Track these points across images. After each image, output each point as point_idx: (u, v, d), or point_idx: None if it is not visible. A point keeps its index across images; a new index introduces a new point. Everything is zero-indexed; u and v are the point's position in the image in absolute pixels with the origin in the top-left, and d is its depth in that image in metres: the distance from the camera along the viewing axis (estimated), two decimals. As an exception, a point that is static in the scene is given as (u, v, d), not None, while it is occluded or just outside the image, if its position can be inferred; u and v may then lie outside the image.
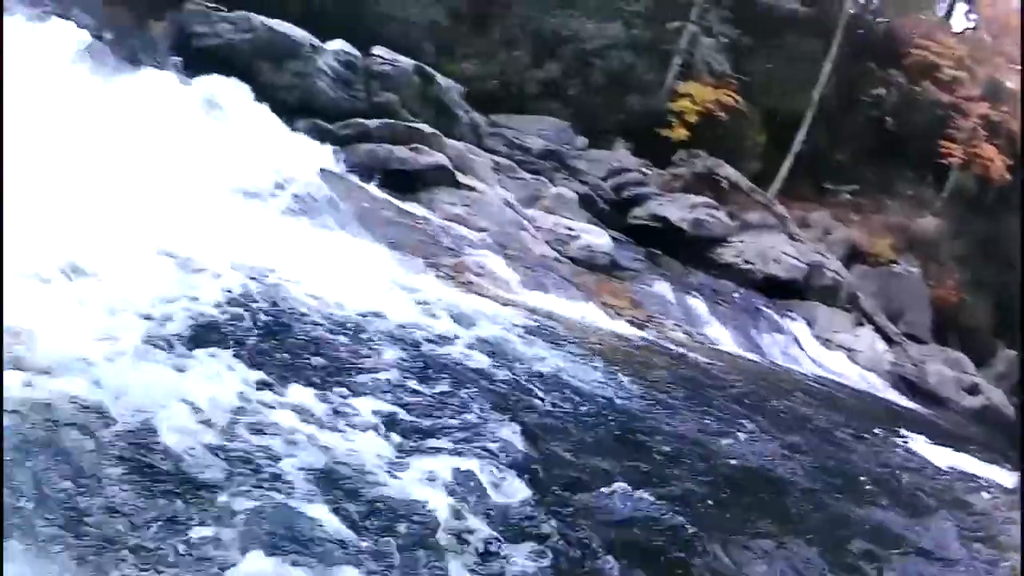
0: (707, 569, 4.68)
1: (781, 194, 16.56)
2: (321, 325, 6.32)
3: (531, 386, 6.52)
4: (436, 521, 4.06)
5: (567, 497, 4.82)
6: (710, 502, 5.51)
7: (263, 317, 6.04)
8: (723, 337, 11.51)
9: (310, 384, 5.14)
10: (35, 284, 5.17)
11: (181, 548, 3.43)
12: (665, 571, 4.61)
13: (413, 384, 5.69)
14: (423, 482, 4.41)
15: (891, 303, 14.68)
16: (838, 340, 12.93)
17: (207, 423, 4.31)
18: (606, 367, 7.75)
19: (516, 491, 4.66)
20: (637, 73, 17.59)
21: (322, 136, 11.51)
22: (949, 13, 22.29)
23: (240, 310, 5.94)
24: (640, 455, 5.97)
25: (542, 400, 6.35)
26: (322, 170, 10.08)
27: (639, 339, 9.61)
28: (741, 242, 14.65)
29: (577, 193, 14.36)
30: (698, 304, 12.04)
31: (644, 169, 16.18)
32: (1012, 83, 19.05)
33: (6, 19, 8.55)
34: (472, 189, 11.93)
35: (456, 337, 7.02)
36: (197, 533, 3.52)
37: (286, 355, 5.55)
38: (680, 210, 14.93)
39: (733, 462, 6.47)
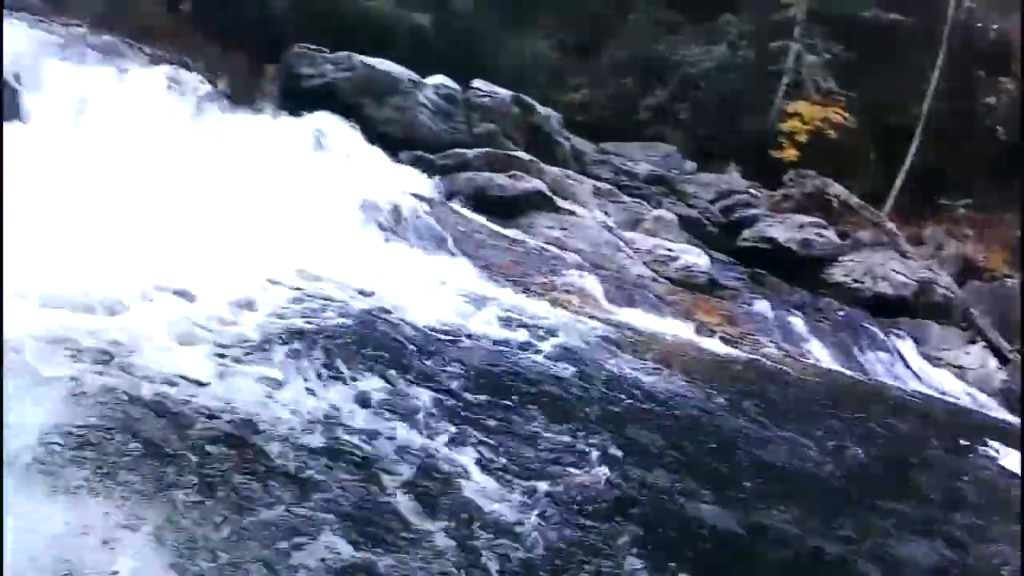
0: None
1: (893, 210, 16.63)
2: (415, 337, 7.07)
3: (610, 395, 7.02)
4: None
5: (652, 517, 5.21)
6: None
7: (364, 330, 6.84)
8: (821, 354, 11.72)
9: (399, 394, 5.83)
10: (154, 300, 6.11)
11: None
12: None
13: (497, 396, 6.27)
14: (510, 495, 4.92)
15: (1006, 319, 14.55)
16: (947, 358, 12.95)
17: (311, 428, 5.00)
18: (687, 379, 8.21)
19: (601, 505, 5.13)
20: (745, 95, 18.05)
21: (424, 166, 12.43)
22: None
23: (344, 324, 6.75)
24: (717, 464, 6.44)
25: (621, 410, 6.85)
26: (420, 197, 10.93)
27: (727, 353, 10.02)
28: (851, 261, 14.79)
29: (684, 216, 14.84)
30: (798, 322, 12.27)
31: (753, 191, 16.53)
32: None
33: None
34: (571, 213, 12.59)
35: (539, 348, 7.69)
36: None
37: (382, 365, 6.30)
38: (788, 230, 15.19)
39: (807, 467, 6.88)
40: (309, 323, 6.65)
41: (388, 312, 7.42)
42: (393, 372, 6.23)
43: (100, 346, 5.08)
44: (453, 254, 9.88)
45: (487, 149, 12.96)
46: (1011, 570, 5.98)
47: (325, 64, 12.89)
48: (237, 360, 5.60)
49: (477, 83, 13.96)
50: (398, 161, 12.31)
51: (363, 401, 5.58)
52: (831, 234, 15.25)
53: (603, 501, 5.19)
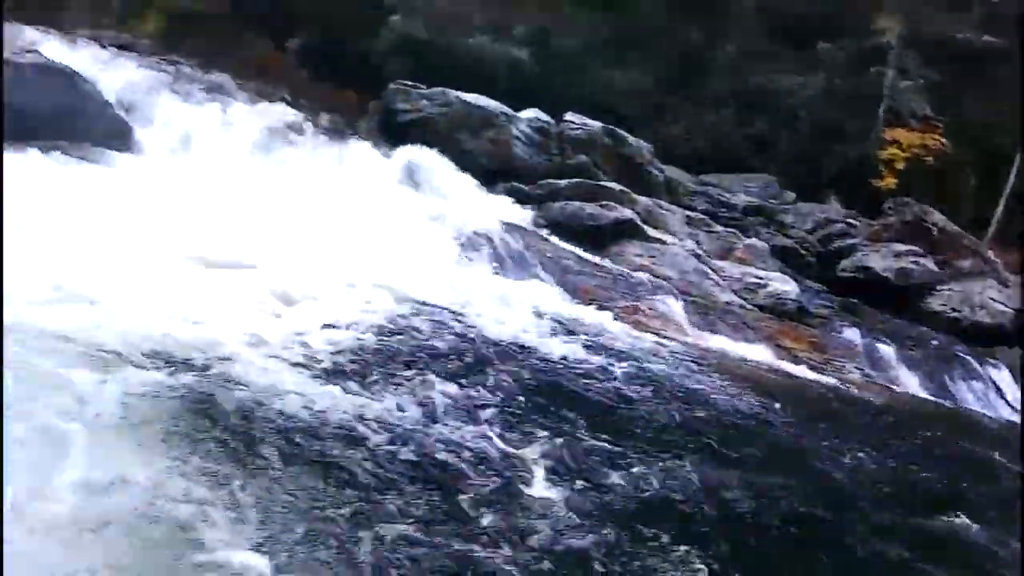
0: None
1: (995, 237, 16.67)
2: (496, 353, 7.76)
3: (686, 416, 7.53)
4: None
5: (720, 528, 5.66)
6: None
7: (447, 346, 7.56)
8: (910, 382, 11.98)
9: (478, 405, 6.47)
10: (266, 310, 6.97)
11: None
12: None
13: (572, 410, 6.86)
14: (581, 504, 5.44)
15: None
16: (1048, 387, 13.03)
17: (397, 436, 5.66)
18: (763, 400, 8.66)
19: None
20: (843, 123, 18.32)
21: (517, 196, 13.19)
22: None
23: (428, 340, 7.50)
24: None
25: (698, 431, 7.32)
26: (510, 225, 11.68)
27: (807, 377, 10.43)
28: (948, 290, 14.95)
29: (781, 246, 15.26)
30: (887, 350, 12.52)
31: (851, 220, 16.78)
32: None
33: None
34: (660, 241, 13.15)
35: (617, 367, 8.29)
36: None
37: (462, 379, 6.98)
38: (885, 259, 15.45)
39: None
40: (396, 339, 7.40)
41: (472, 329, 8.16)
42: (473, 385, 6.92)
43: (204, 356, 5.88)
44: (539, 278, 10.56)
45: (578, 179, 13.64)
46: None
47: (421, 100, 13.81)
48: (329, 371, 6.35)
49: (570, 116, 14.68)
50: (492, 191, 13.09)
51: (442, 410, 6.26)
52: (929, 263, 15.45)
53: (665, 510, 5.71)
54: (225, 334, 6.25)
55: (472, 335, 8.04)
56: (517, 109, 14.61)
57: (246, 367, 5.88)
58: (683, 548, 5.19)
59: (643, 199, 13.82)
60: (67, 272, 6.35)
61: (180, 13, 18.46)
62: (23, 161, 8.94)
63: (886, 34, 18.13)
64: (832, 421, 9.05)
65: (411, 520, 4.76)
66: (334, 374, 6.37)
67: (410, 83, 14.21)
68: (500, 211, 12.26)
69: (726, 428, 7.69)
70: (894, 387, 11.70)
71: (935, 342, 13.70)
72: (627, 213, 13.17)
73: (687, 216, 14.59)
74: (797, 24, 19.37)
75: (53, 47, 12.00)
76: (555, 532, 5.05)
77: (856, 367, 11.78)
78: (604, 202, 13.19)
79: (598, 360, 8.33)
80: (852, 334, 12.81)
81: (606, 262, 12.00)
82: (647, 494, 5.85)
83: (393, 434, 5.63)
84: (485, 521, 4.99)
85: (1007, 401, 12.43)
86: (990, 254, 15.51)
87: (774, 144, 18.76)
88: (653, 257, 12.70)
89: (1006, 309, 14.24)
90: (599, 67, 18.53)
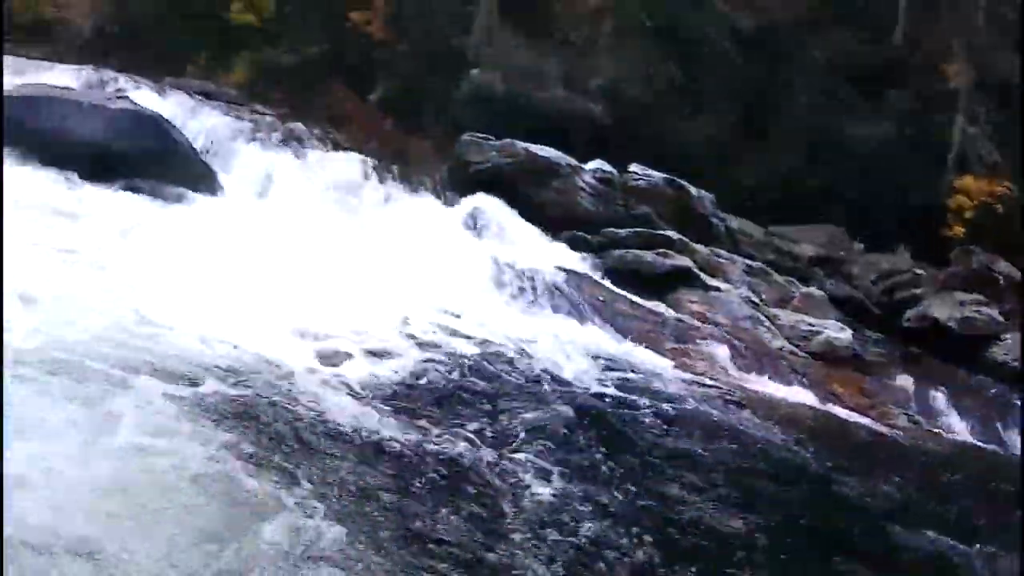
0: None
1: (1066, 287, 16.93)
2: (547, 390, 8.78)
3: (719, 450, 8.38)
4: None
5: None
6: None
7: (490, 381, 8.58)
8: (960, 428, 12.45)
9: (518, 437, 7.41)
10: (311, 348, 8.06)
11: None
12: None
13: (614, 448, 7.70)
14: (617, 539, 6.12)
15: None
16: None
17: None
18: (796, 437, 9.38)
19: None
20: (912, 172, 18.76)
21: (579, 245, 14.18)
22: None
23: (487, 375, 8.62)
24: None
25: (726, 463, 8.12)
26: (567, 270, 12.69)
27: (849, 419, 11.12)
28: (1012, 340, 15.40)
29: (845, 296, 15.94)
30: (940, 396, 13.02)
31: (917, 270, 17.26)
32: None
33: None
34: (716, 289, 13.96)
35: (655, 403, 9.18)
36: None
37: (499, 412, 7.95)
38: (949, 309, 15.91)
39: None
40: (449, 374, 8.47)
41: (524, 366, 9.22)
42: (520, 418, 7.91)
43: (267, 378, 6.99)
44: (591, 320, 11.52)
45: (638, 228, 14.58)
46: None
47: (491, 151, 14.95)
48: (385, 400, 7.40)
49: (634, 167, 15.64)
50: (555, 239, 14.11)
51: (480, 440, 7.19)
52: (994, 312, 15.88)
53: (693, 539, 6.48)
54: (288, 358, 7.36)
55: (523, 371, 9.11)
56: (589, 160, 15.64)
57: (304, 388, 6.97)
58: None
59: (701, 248, 14.65)
60: (146, 299, 7.60)
61: (267, 65, 20.11)
62: (111, 198, 10.57)
63: (954, 79, 18.58)
64: (864, 459, 9.74)
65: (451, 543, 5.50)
66: (390, 403, 7.44)
67: (481, 135, 15.34)
68: (559, 257, 13.31)
69: (755, 460, 8.53)
70: (941, 432, 12.20)
71: (993, 391, 14.13)
72: (684, 261, 14.03)
73: (747, 265, 15.36)
74: (867, 71, 19.99)
75: (143, 94, 13.75)
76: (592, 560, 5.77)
77: (903, 412, 12.33)
78: (662, 250, 14.08)
79: (640, 397, 9.27)
80: (905, 381, 13.36)
81: (659, 307, 12.84)
82: (675, 527, 6.61)
83: (445, 458, 6.60)
84: (521, 551, 5.66)
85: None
86: (1056, 304, 15.87)
87: (844, 193, 19.26)
88: (708, 304, 13.50)
89: (1069, 359, 14.61)
90: (673, 117, 19.40)
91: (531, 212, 14.35)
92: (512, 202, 14.20)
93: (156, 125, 12.71)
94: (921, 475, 9.77)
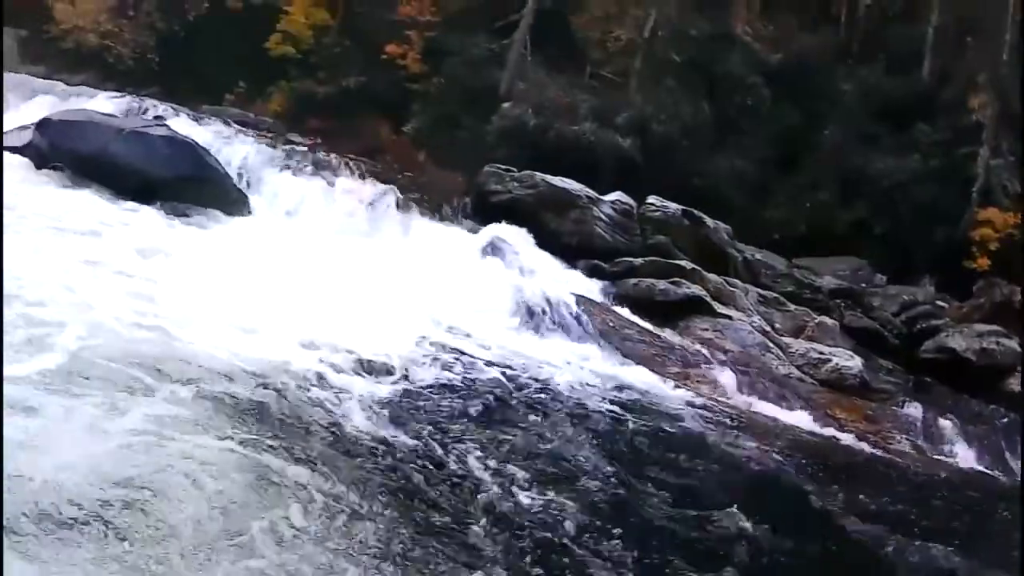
0: None
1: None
2: (553, 407, 9.51)
3: (708, 467, 8.96)
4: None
5: None
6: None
7: (495, 397, 9.27)
8: (965, 455, 12.91)
9: (520, 450, 8.03)
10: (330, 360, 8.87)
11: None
12: None
13: (609, 461, 8.24)
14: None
15: None
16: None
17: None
18: (783, 456, 10.03)
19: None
20: (938, 205, 19.21)
21: (596, 273, 14.97)
22: None
23: (496, 392, 9.33)
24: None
25: (718, 478, 8.74)
26: (580, 296, 13.43)
27: (844, 443, 11.67)
28: (1026, 371, 15.83)
29: (864, 328, 16.43)
30: (947, 424, 13.50)
31: (939, 302, 17.74)
32: None
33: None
34: (727, 317, 14.60)
35: (651, 421, 9.87)
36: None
37: (505, 427, 8.62)
38: (967, 340, 16.36)
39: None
40: (458, 390, 9.23)
41: (531, 384, 9.96)
42: (515, 433, 8.59)
43: (286, 384, 7.76)
44: (598, 344, 12.23)
45: (653, 258, 15.29)
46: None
47: (511, 182, 15.80)
48: (393, 411, 8.11)
49: (651, 199, 16.35)
50: (572, 267, 14.90)
51: (483, 452, 7.78)
52: (1013, 343, 16.30)
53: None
54: (306, 366, 8.20)
55: (528, 389, 9.84)
56: (609, 192, 16.36)
57: (318, 396, 7.75)
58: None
59: (714, 277, 15.29)
60: (179, 311, 8.50)
61: (304, 95, 21.19)
62: (148, 218, 11.61)
63: (979, 112, 19.06)
64: (855, 479, 10.28)
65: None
66: (398, 413, 8.08)
67: (503, 167, 16.21)
68: (574, 284, 14.09)
69: (741, 475, 9.20)
70: (945, 458, 12.73)
71: (1004, 420, 14.58)
72: (697, 290, 14.68)
73: (760, 295, 15.97)
74: (896, 106, 20.55)
75: (181, 122, 14.87)
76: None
77: (908, 438, 12.87)
78: (676, 279, 14.77)
79: (639, 416, 9.95)
80: (913, 409, 13.85)
81: (667, 333, 13.54)
82: (660, 537, 7.14)
83: (446, 466, 7.22)
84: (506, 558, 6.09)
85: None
86: (1076, 336, 16.24)
87: (871, 227, 19.76)
88: (718, 331, 14.15)
89: (1082, 392, 15.00)
90: (702, 152, 20.13)
91: (549, 240, 15.19)
92: (531, 231, 15.01)
93: (192, 152, 13.75)
94: (914, 497, 10.19)
